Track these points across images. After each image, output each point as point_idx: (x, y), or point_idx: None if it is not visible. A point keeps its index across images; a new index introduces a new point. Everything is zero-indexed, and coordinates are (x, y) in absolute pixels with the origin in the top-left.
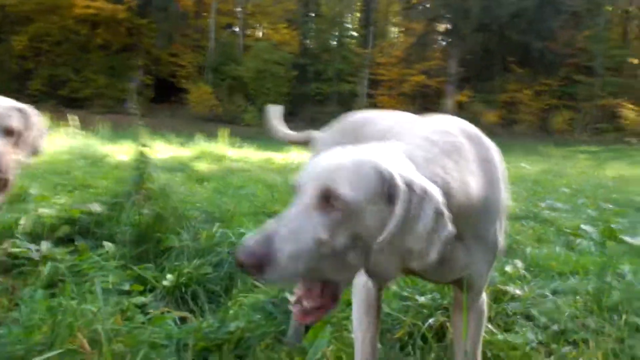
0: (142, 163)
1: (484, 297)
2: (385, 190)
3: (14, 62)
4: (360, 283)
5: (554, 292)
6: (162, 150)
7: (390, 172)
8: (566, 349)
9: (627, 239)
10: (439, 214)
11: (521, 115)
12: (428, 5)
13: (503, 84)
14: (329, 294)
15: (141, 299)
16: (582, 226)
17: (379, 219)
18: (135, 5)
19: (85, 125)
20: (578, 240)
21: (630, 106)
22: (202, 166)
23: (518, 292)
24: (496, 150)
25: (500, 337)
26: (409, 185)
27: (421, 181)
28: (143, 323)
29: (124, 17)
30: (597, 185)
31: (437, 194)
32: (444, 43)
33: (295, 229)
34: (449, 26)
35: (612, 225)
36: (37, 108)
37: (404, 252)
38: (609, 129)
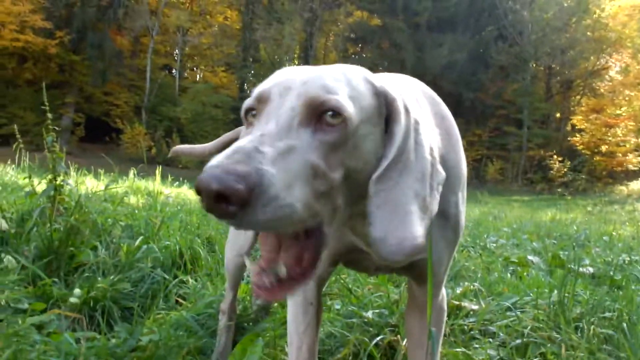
0: (55, 175)
1: (444, 292)
2: (383, 108)
3: None
4: None
5: (513, 307)
6: (91, 185)
7: (382, 86)
8: None
9: (574, 267)
10: (432, 149)
11: None
12: (365, 55)
13: None
14: (310, 255)
15: (39, 318)
16: (529, 257)
17: (374, 146)
18: (68, 40)
19: (10, 163)
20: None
21: (556, 158)
22: (134, 200)
23: (474, 307)
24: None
25: (459, 350)
26: (405, 106)
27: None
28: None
29: (55, 53)
30: (536, 225)
31: (429, 132)
32: None
33: (284, 148)
34: None
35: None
36: None
37: (410, 197)
38: (539, 179)
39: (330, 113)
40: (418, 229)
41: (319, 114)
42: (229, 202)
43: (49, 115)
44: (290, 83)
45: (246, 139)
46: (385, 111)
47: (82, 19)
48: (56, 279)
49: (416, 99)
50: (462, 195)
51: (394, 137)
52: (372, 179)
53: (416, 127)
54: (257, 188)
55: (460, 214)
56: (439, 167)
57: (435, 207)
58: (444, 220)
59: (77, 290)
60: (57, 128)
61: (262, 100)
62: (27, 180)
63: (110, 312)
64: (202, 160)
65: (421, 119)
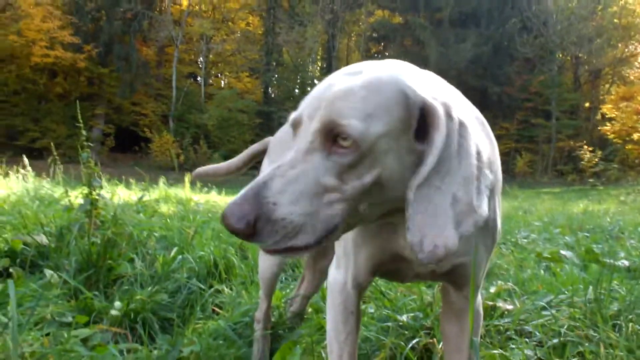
0: (90, 190)
1: (480, 297)
2: (415, 118)
3: None
4: (338, 285)
5: (548, 306)
6: (123, 194)
7: (419, 94)
8: None
9: (610, 261)
10: (479, 153)
11: None
12: (387, 54)
13: None
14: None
15: (84, 331)
16: (562, 252)
17: (404, 158)
18: (96, 54)
19: (42, 175)
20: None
21: (587, 148)
22: (166, 208)
23: (509, 307)
24: None
25: (496, 351)
26: (447, 112)
27: (461, 120)
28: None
29: (84, 66)
30: (568, 218)
31: (474, 133)
32: None
33: (293, 177)
34: None
35: (594, 249)
36: None
37: (449, 203)
38: (569, 170)
39: (343, 136)
40: (453, 234)
41: (333, 137)
42: (239, 235)
43: (83, 132)
44: (319, 103)
45: (266, 170)
46: (416, 120)
47: (108, 32)
48: (96, 292)
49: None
50: (498, 199)
51: (433, 145)
52: (413, 185)
53: (461, 131)
54: (259, 222)
55: (498, 218)
56: (487, 171)
57: (484, 210)
58: (484, 226)
59: (117, 303)
60: (90, 144)
61: (296, 125)
62: (63, 194)
63: (150, 324)
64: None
65: (468, 122)
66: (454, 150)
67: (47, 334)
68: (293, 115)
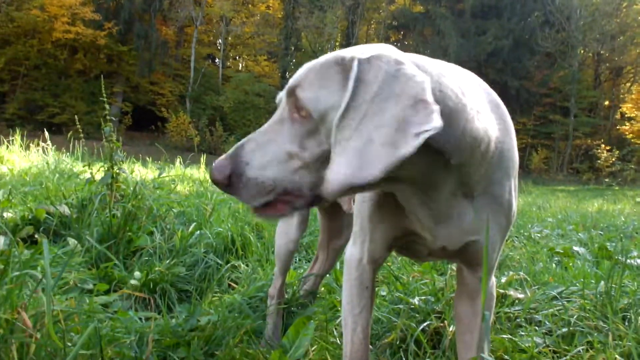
0: (112, 164)
1: (494, 279)
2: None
3: None
4: (354, 260)
5: (559, 297)
6: (140, 173)
7: (351, 57)
8: (579, 350)
9: (622, 259)
10: (420, 101)
11: None
12: (407, 43)
13: None
14: (300, 202)
15: (105, 298)
16: (574, 248)
17: None
18: (116, 31)
19: (62, 150)
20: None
21: (604, 147)
22: (182, 188)
23: (520, 295)
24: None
25: (505, 337)
26: (375, 59)
27: (402, 61)
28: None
29: (104, 44)
30: (582, 216)
31: (422, 79)
32: None
33: (264, 141)
34: None
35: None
36: (13, 132)
37: (362, 143)
38: (585, 169)
39: (299, 107)
40: (346, 172)
41: (296, 108)
42: (219, 185)
43: (107, 106)
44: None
45: (248, 136)
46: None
47: (129, 10)
48: (116, 262)
49: (467, 84)
50: (515, 182)
51: (348, 87)
52: (333, 127)
53: (391, 75)
54: (233, 175)
55: (514, 200)
56: (432, 114)
57: (405, 151)
58: (498, 205)
59: (137, 273)
60: (113, 118)
61: (277, 103)
62: (83, 167)
63: (168, 294)
64: None
65: (413, 70)
66: (372, 93)
67: (70, 298)
68: (277, 97)
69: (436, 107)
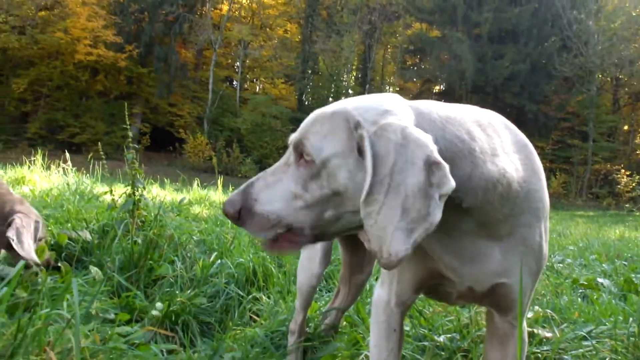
0: (134, 190)
1: (525, 325)
2: (356, 140)
3: (13, 105)
4: (382, 302)
5: (588, 336)
6: (157, 194)
7: (358, 120)
8: None
9: None
10: (432, 163)
11: None
12: (423, 67)
13: None
14: (299, 239)
15: (126, 329)
16: (598, 279)
17: (355, 174)
18: (137, 54)
19: (82, 170)
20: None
21: (624, 172)
22: (199, 210)
23: (547, 334)
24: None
25: None
26: (382, 130)
27: (405, 127)
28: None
29: (125, 66)
30: (604, 244)
31: (426, 141)
32: None
33: (272, 181)
34: (443, 87)
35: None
36: (34, 151)
37: (398, 214)
38: (605, 194)
39: (304, 152)
40: (402, 243)
41: (301, 153)
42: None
43: (130, 134)
44: (297, 130)
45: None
46: (356, 142)
47: (149, 33)
48: (137, 291)
49: (484, 124)
50: (545, 224)
51: (366, 166)
52: (361, 202)
53: (401, 145)
54: (243, 209)
55: (544, 243)
56: (446, 175)
57: (435, 217)
58: (528, 248)
59: (159, 304)
60: (136, 146)
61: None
62: (103, 190)
63: (190, 326)
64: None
65: (417, 133)
66: (389, 166)
67: (92, 330)
68: (289, 140)
69: (445, 166)
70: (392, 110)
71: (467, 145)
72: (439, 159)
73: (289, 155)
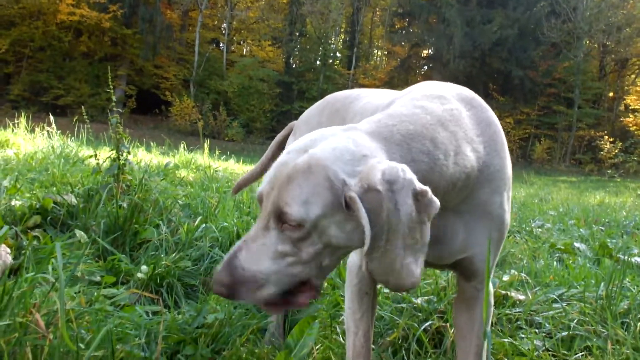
0: (119, 154)
1: (492, 289)
2: (342, 197)
3: None
4: (354, 267)
5: (559, 299)
6: (143, 157)
7: (341, 179)
8: (578, 355)
9: (622, 257)
10: (417, 193)
11: None
12: (412, 30)
13: None
14: (308, 293)
15: (112, 291)
16: (575, 244)
17: (344, 226)
18: (121, 14)
19: (67, 133)
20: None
21: (607, 138)
22: (185, 174)
23: (521, 297)
24: (494, 115)
25: (506, 340)
26: (369, 185)
27: (385, 170)
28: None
29: (109, 26)
30: (583, 210)
31: (407, 175)
32: (426, 68)
33: (255, 249)
34: (431, 51)
35: (608, 244)
36: (18, 113)
37: (401, 251)
38: (587, 160)
39: (288, 220)
40: (412, 273)
41: (281, 219)
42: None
43: (113, 97)
44: (273, 184)
45: (238, 242)
46: (343, 199)
47: None
48: (122, 255)
49: (447, 119)
50: (507, 195)
51: (363, 225)
52: (363, 254)
53: (391, 191)
54: (234, 285)
55: (505, 213)
56: (431, 197)
57: (426, 237)
58: (489, 220)
59: (144, 267)
60: (120, 111)
61: (260, 199)
62: (88, 153)
63: (175, 289)
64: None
65: (396, 172)
66: (386, 214)
67: (78, 292)
68: (259, 190)
69: (428, 189)
70: (367, 153)
71: (432, 157)
72: (421, 186)
73: (266, 221)
